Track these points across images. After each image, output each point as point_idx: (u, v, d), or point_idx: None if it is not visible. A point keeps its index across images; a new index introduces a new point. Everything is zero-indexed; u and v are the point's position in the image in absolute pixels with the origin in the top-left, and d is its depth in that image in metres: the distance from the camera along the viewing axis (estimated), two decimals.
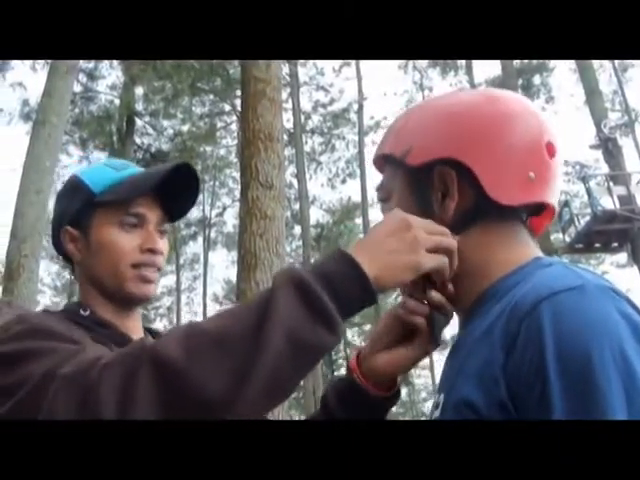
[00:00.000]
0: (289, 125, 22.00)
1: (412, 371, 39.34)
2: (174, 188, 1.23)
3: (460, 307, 0.96)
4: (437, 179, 0.92)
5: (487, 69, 29.58)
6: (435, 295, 0.96)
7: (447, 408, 0.83)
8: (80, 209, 1.23)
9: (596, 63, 19.37)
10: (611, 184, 14.79)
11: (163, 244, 1.25)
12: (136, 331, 1.27)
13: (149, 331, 1.35)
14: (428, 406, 39.46)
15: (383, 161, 1.04)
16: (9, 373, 0.97)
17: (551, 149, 0.93)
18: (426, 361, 38.54)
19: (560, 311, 0.73)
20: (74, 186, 1.27)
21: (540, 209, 0.99)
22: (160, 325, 37.47)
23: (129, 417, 0.77)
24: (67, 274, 35.25)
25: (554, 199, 0.95)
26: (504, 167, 0.90)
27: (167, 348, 0.80)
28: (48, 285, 34.73)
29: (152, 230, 1.23)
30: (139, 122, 23.48)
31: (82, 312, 1.20)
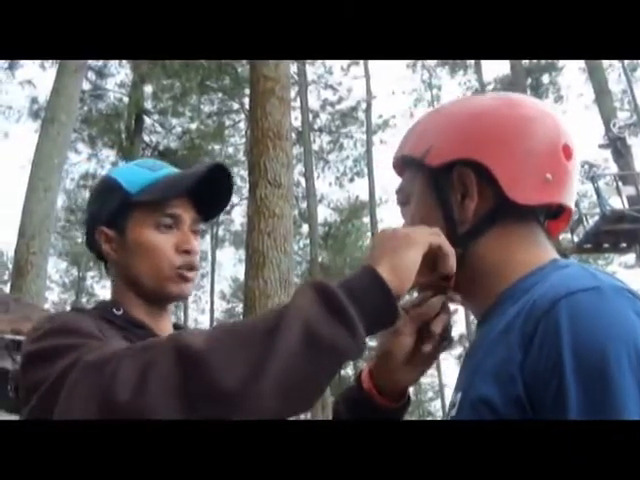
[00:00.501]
0: (297, 124, 22.01)
1: None
2: (209, 189, 1.23)
3: (478, 308, 0.97)
4: (456, 179, 0.94)
5: (496, 68, 29.45)
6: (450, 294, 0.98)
7: (464, 406, 0.84)
8: (116, 209, 1.23)
9: (605, 62, 19.29)
10: (620, 184, 14.70)
11: (197, 244, 1.25)
12: (167, 332, 1.26)
13: (176, 327, 1.35)
14: (435, 405, 39.43)
15: (402, 164, 1.05)
16: (38, 370, 1.00)
17: (567, 151, 0.94)
18: None
19: (577, 310, 0.74)
20: (109, 186, 1.26)
21: (557, 212, 1.00)
22: None
23: (144, 400, 0.78)
24: (75, 271, 35.40)
25: (571, 201, 0.97)
26: (522, 168, 0.91)
27: (189, 338, 0.82)
28: (56, 282, 34.85)
29: (187, 231, 1.24)
30: (148, 120, 23.52)
31: (115, 311, 1.20)
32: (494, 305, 0.92)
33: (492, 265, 0.93)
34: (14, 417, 5.57)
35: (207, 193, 1.24)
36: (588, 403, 0.69)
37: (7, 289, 9.81)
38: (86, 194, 27.79)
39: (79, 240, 33.53)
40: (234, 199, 29.18)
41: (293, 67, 19.92)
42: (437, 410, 39.02)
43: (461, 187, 0.93)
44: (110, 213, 1.24)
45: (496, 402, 0.77)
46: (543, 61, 24.02)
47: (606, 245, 15.46)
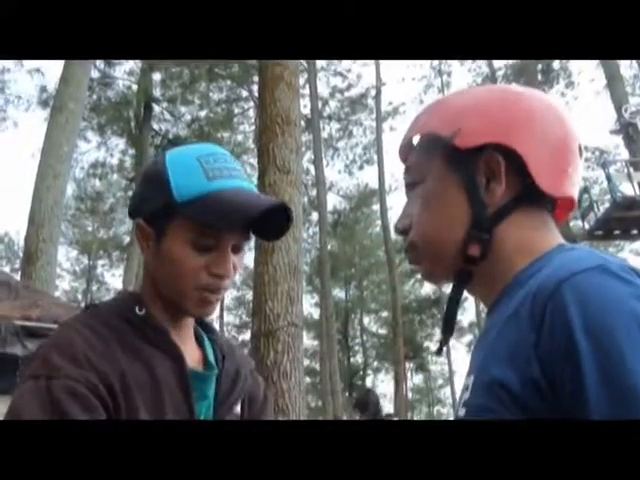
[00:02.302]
0: (306, 111, 22.00)
1: (428, 358, 39.19)
2: (262, 220, 1.12)
3: (490, 294, 0.97)
4: (484, 163, 0.94)
5: None
6: None
7: (477, 389, 0.84)
8: (158, 210, 1.14)
9: None
10: (631, 170, 14.64)
11: (238, 260, 1.17)
12: (187, 340, 1.22)
13: (200, 324, 1.29)
14: (444, 393, 39.67)
15: (421, 143, 1.03)
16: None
17: (580, 150, 0.97)
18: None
19: (582, 290, 0.75)
20: (158, 180, 1.14)
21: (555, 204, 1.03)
22: None
23: None
24: (85, 259, 35.65)
25: (575, 196, 1.00)
26: (551, 160, 0.93)
27: None
28: (67, 270, 35.15)
29: (227, 252, 1.13)
30: (157, 108, 23.61)
31: (137, 310, 1.14)
32: (504, 291, 0.92)
33: (508, 251, 0.93)
34: None
35: (260, 222, 1.13)
36: (604, 377, 0.70)
37: (17, 277, 9.87)
38: (96, 182, 28.00)
39: (89, 229, 33.79)
40: None
41: None
42: (447, 397, 39.29)
43: (488, 171, 0.94)
44: (151, 211, 1.15)
45: (512, 384, 0.77)
46: None
47: (617, 232, 15.42)
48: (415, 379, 40.44)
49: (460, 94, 1.05)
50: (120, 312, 1.14)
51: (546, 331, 0.75)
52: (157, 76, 22.91)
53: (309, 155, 23.53)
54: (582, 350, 0.71)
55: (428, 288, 37.48)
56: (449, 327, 1.02)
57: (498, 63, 26.22)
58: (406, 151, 1.06)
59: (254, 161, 25.58)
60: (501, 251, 0.93)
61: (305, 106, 21.90)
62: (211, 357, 1.25)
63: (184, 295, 1.14)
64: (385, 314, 35.36)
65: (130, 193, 27.07)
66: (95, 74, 20.66)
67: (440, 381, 40.29)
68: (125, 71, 23.32)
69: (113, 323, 1.11)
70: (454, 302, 0.99)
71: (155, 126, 23.78)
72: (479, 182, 0.94)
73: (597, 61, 20.36)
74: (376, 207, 27.60)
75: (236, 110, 25.53)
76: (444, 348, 1.07)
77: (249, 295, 28.75)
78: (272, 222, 1.16)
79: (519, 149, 0.92)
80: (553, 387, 0.74)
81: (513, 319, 0.82)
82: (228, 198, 1.10)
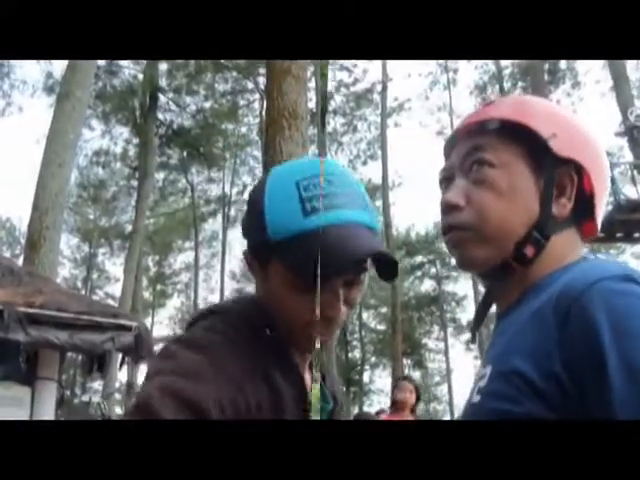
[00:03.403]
0: (311, 105, 21.95)
1: (426, 355, 39.06)
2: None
3: (511, 294, 0.99)
4: (560, 176, 0.98)
5: None
6: None
7: (494, 377, 0.87)
8: (257, 244, 1.06)
9: None
10: (635, 173, 14.61)
11: (354, 293, 1.05)
12: (306, 363, 1.13)
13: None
14: (441, 390, 39.66)
15: (502, 126, 1.00)
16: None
17: None
18: (441, 345, 38.72)
19: (608, 295, 0.78)
20: (256, 211, 1.05)
21: None
22: (177, 301, 37.91)
23: None
24: (86, 247, 35.67)
25: None
26: (605, 194, 1.03)
27: None
28: (68, 258, 35.17)
29: (334, 292, 1.02)
30: (162, 98, 23.58)
31: (268, 331, 1.05)
32: (524, 293, 0.96)
33: (542, 259, 0.96)
34: (25, 388, 5.62)
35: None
36: (630, 377, 0.72)
37: (19, 263, 9.89)
38: (99, 170, 28.00)
39: (91, 216, 33.81)
40: (247, 179, 29.21)
41: None
42: (443, 395, 39.31)
43: (561, 184, 0.98)
44: (252, 243, 1.08)
45: (532, 377, 0.80)
46: None
47: (619, 234, 15.37)
48: (412, 375, 40.49)
49: (550, 102, 1.08)
50: (254, 331, 1.04)
51: (570, 331, 0.78)
52: (163, 66, 22.90)
53: (313, 149, 23.47)
54: (608, 352, 0.74)
55: (427, 285, 37.57)
56: (481, 318, 1.06)
57: (505, 61, 26.18)
58: (476, 129, 1.02)
59: (258, 154, 25.56)
60: (542, 259, 0.97)
61: (310, 100, 21.87)
62: (325, 387, 1.16)
63: (292, 335, 1.05)
64: (384, 310, 35.37)
65: (133, 182, 27.28)
66: (101, 62, 20.64)
67: (437, 378, 40.28)
68: (131, 60, 23.32)
69: (249, 343, 1.01)
70: (491, 295, 1.04)
71: (160, 116, 23.79)
72: (554, 190, 0.98)
73: (604, 62, 20.32)
74: (379, 203, 27.56)
75: (241, 102, 25.50)
76: (467, 337, 1.10)
77: (249, 288, 28.74)
78: (378, 263, 1.04)
79: (593, 179, 0.98)
80: (576, 383, 0.76)
81: (535, 318, 0.85)
82: (323, 240, 0.97)
